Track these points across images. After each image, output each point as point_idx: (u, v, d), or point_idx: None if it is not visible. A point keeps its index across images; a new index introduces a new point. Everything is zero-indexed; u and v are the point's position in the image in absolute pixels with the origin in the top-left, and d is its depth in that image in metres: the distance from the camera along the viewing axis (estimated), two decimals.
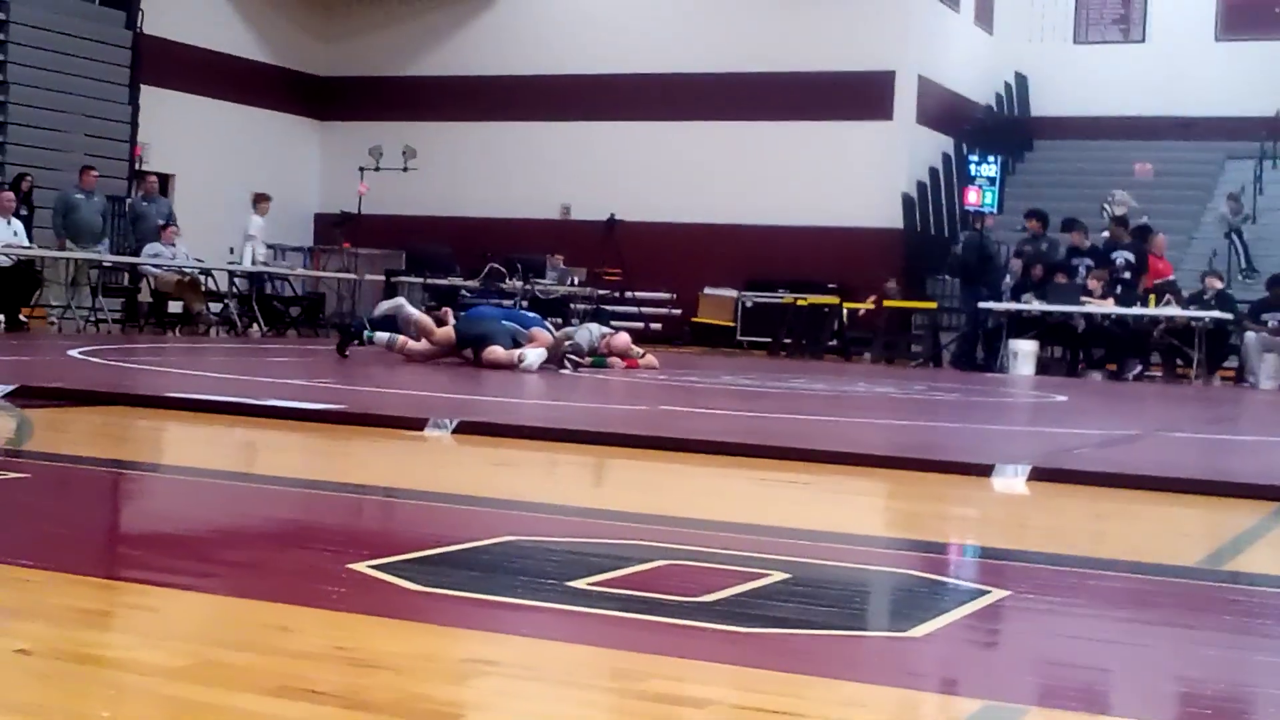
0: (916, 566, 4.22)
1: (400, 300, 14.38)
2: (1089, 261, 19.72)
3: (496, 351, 12.92)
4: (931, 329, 22.38)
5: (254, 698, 2.41)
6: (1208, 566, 4.43)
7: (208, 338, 18.48)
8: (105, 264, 19.01)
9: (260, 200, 21.48)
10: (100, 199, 19.15)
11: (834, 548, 4.36)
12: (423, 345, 13.56)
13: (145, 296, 19.58)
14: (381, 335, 13.76)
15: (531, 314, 14.73)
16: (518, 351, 12.87)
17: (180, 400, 8.04)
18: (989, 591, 3.67)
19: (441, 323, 13.79)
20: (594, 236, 25.94)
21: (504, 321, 13.60)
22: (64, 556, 3.62)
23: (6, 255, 17.12)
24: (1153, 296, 19.18)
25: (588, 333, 14.55)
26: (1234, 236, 23.58)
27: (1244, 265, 23.31)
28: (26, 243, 17.75)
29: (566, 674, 2.72)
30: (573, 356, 13.65)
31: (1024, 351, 18.85)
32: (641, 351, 14.83)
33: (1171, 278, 19.79)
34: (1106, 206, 22.61)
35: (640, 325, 22.77)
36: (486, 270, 21.59)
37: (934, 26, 26.77)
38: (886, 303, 22.80)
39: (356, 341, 13.90)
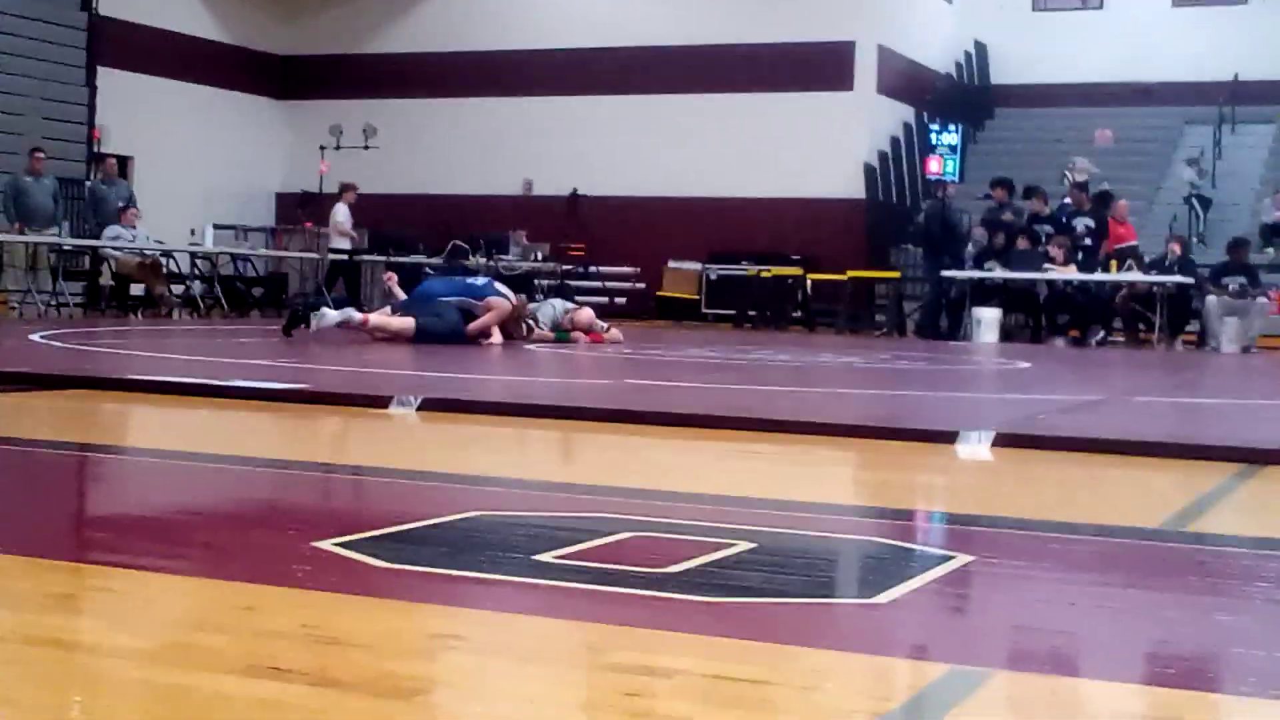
0: (882, 534, 4.24)
1: (349, 310, 13.73)
2: (1049, 229, 19.80)
3: (384, 319, 12.94)
4: (895, 299, 22.42)
5: (223, 678, 2.41)
6: (1172, 528, 4.46)
7: (170, 320, 18.39)
8: (65, 247, 18.89)
9: (346, 189, 21.48)
10: (51, 181, 19.00)
11: (800, 517, 4.38)
12: (382, 319, 13.26)
13: (107, 280, 19.47)
14: (332, 314, 13.23)
15: (482, 280, 14.47)
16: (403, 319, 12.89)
17: (144, 382, 8.01)
18: (954, 557, 3.69)
19: (394, 306, 13.58)
20: (557, 212, 25.91)
21: (452, 297, 13.32)
22: (30, 541, 3.61)
23: None
24: (1114, 262, 19.26)
25: (551, 308, 14.54)
26: (1194, 201, 23.68)
27: (1202, 230, 23.41)
28: None
29: (534, 647, 2.72)
30: (529, 321, 13.61)
31: (987, 319, 18.92)
32: (606, 326, 14.84)
33: (1134, 243, 19.86)
34: (1067, 174, 22.66)
35: (605, 300, 22.77)
36: (450, 248, 21.53)
37: None
38: (850, 273, 22.81)
39: (304, 325, 13.39)
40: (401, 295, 13.88)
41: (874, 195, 25.15)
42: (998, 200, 20.69)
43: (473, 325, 13.01)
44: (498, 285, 13.78)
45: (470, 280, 14.53)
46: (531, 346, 13.18)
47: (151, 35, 25.69)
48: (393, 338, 13.00)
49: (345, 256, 21.30)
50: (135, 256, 19.01)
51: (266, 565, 3.38)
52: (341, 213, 21.18)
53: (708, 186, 25.59)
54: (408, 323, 12.99)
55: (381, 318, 13.34)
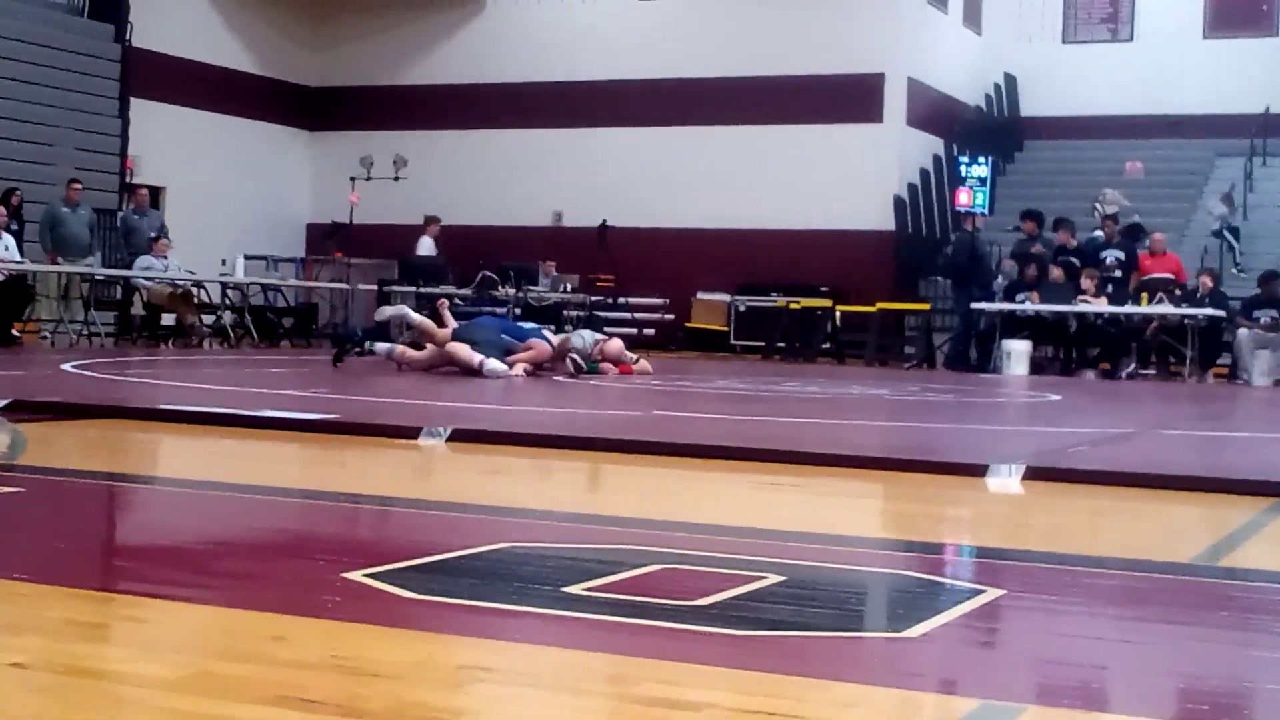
0: (912, 567, 4.22)
1: (402, 308, 14.27)
2: (1076, 261, 19.75)
3: (458, 349, 12.92)
4: (925, 330, 22.37)
5: (251, 708, 2.41)
6: (1204, 563, 4.44)
7: (201, 350, 18.46)
8: (97, 277, 18.99)
9: (430, 222, 21.62)
10: (87, 211, 19.12)
11: (829, 550, 4.37)
12: (421, 354, 13.52)
13: (138, 310, 19.55)
14: (381, 346, 13.81)
15: (530, 325, 14.70)
16: (479, 357, 12.86)
17: (174, 412, 8.04)
18: (985, 591, 3.67)
19: (440, 322, 13.76)
20: (586, 243, 25.92)
21: (502, 335, 13.58)
22: (59, 570, 3.61)
23: None
24: (1145, 295, 19.19)
25: (581, 339, 14.56)
26: (1225, 234, 23.60)
27: (1237, 262, 23.32)
28: (18, 257, 17.73)
29: (563, 679, 2.72)
30: (574, 357, 13.65)
31: (1017, 351, 18.86)
32: (635, 357, 14.85)
33: (1168, 275, 19.71)
34: (1097, 205, 22.62)
35: (633, 331, 22.76)
36: (479, 278, 21.55)
37: (923, 28, 26.78)
38: (879, 304, 22.78)
39: (357, 352, 13.86)
40: (453, 323, 14.06)
41: (903, 227, 25.13)
42: (1028, 233, 20.65)
43: (510, 357, 13.11)
44: (545, 332, 13.99)
45: (521, 324, 14.78)
46: (560, 378, 13.19)
47: (184, 67, 25.86)
48: (429, 363, 13.20)
49: (468, 291, 21.28)
50: (167, 286, 19.09)
51: (295, 595, 3.38)
52: (425, 245, 21.32)
53: (737, 218, 25.61)
54: (448, 333, 13.23)
55: (427, 325, 13.60)
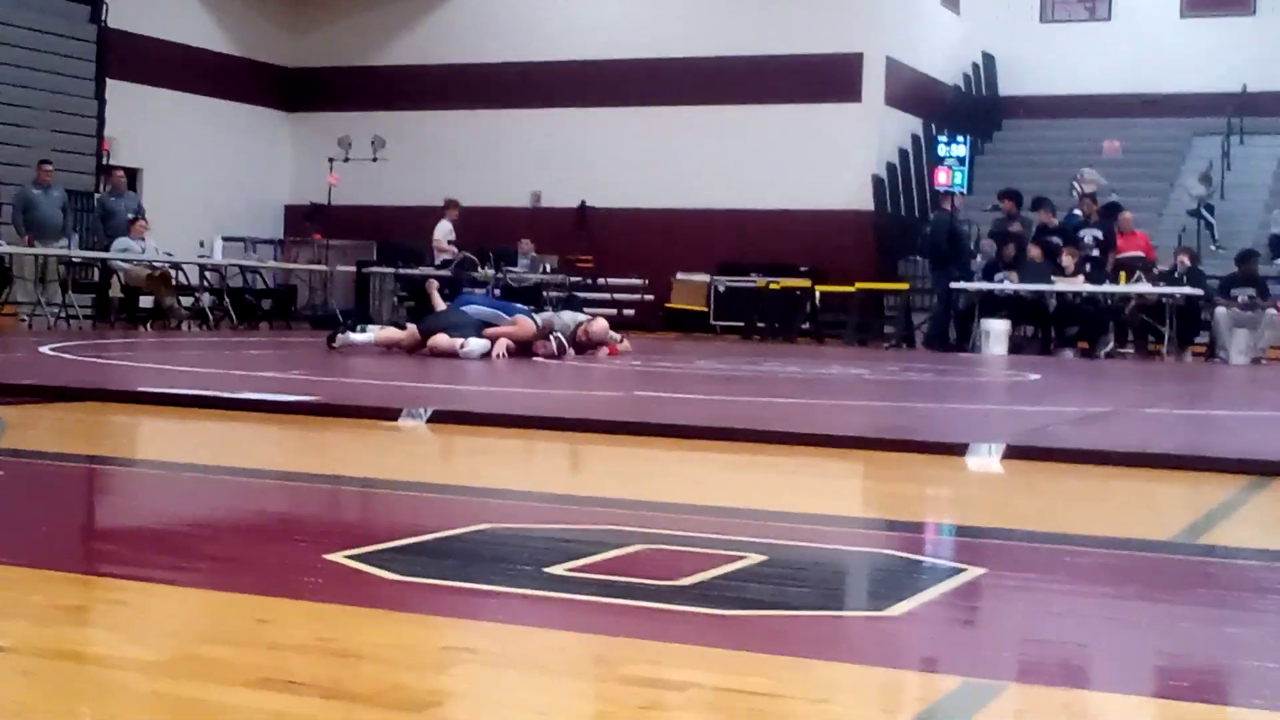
0: (893, 546, 4.23)
1: (368, 335, 14.07)
2: (1057, 240, 19.80)
3: (439, 340, 12.92)
4: (904, 310, 22.41)
5: (235, 690, 2.41)
6: (1183, 540, 4.46)
7: (179, 332, 18.42)
8: (74, 260, 18.92)
9: (450, 206, 21.57)
10: (60, 194, 19.04)
11: (810, 529, 4.38)
12: (402, 334, 13.51)
13: (116, 292, 19.50)
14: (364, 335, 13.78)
15: (519, 305, 14.69)
16: (459, 340, 12.85)
17: (154, 395, 8.02)
18: (966, 569, 3.68)
19: (431, 303, 13.86)
20: (565, 223, 25.94)
21: (478, 308, 13.59)
22: (42, 553, 3.61)
23: None
24: (1123, 273, 19.25)
25: (561, 320, 14.54)
26: (1203, 213, 23.65)
27: (1215, 240, 23.38)
28: None
29: (546, 660, 2.72)
30: (557, 336, 13.63)
31: (996, 331, 18.90)
32: (620, 337, 14.86)
33: (1141, 254, 19.78)
34: (1075, 185, 22.66)
35: (613, 311, 22.76)
36: (459, 259, 21.54)
37: (901, 8, 26.78)
38: (858, 284, 22.81)
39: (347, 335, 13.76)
40: (441, 304, 14.10)
41: (882, 207, 25.15)
42: (1006, 212, 20.69)
43: (489, 330, 13.07)
44: (533, 313, 13.97)
45: (509, 303, 14.75)
46: (540, 358, 13.17)
47: (160, 48, 25.76)
48: (408, 350, 13.18)
49: (447, 272, 21.20)
50: (144, 269, 19.04)
51: (278, 578, 3.38)
52: (442, 229, 21.26)
53: (716, 198, 25.61)
54: (413, 332, 13.24)
55: (388, 333, 13.65)
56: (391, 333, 13.71)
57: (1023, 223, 20.51)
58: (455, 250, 21.45)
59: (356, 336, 13.72)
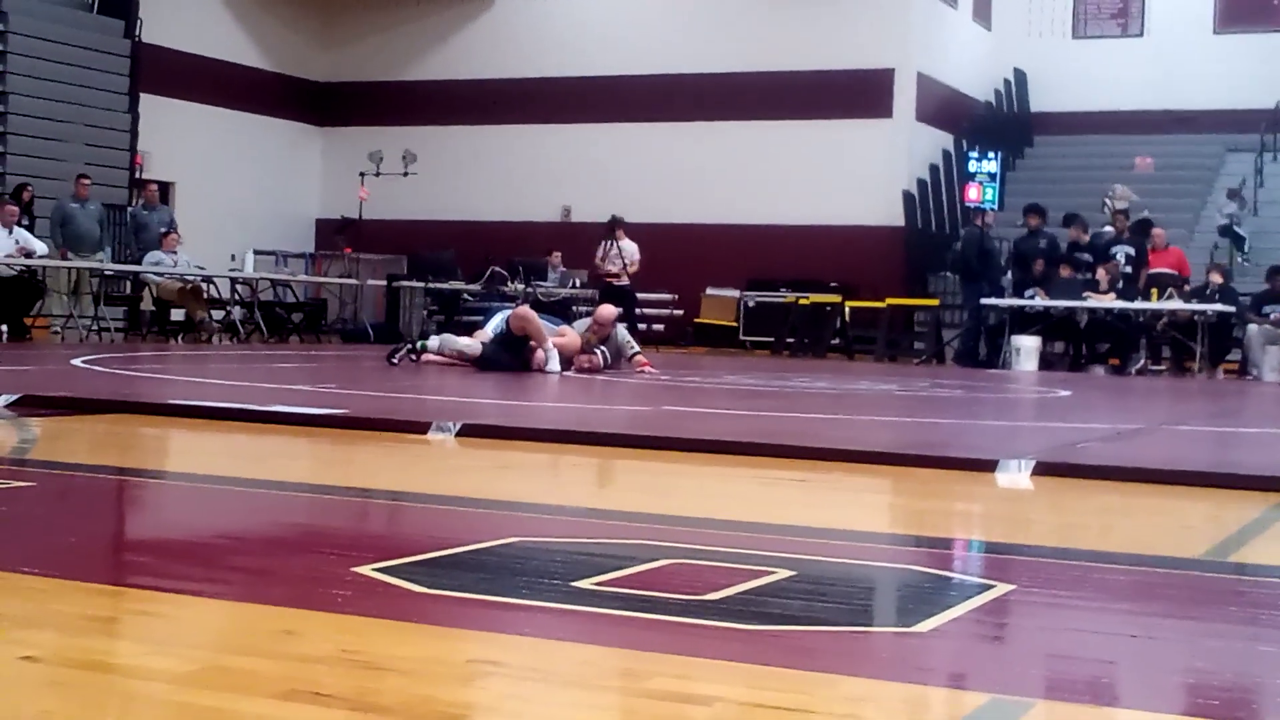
0: (921, 562, 4.22)
1: (446, 336, 14.11)
2: (1088, 257, 19.74)
3: (569, 339, 13.21)
4: (934, 326, 22.37)
5: (262, 702, 2.41)
6: (1213, 559, 4.43)
7: (210, 345, 18.48)
8: (107, 273, 19.02)
9: (619, 225, 21.61)
10: (96, 207, 19.15)
11: (839, 545, 4.37)
12: (470, 341, 13.58)
13: (148, 305, 19.60)
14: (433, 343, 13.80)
15: (559, 320, 14.75)
16: (553, 353, 12.95)
17: (184, 407, 8.04)
18: (994, 586, 3.67)
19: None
20: (595, 238, 25.93)
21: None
22: (71, 564, 3.62)
23: (8, 266, 17.12)
24: (1155, 290, 19.18)
25: (623, 333, 14.49)
26: (1235, 229, 23.57)
27: (1245, 256, 23.29)
28: (43, 249, 17.70)
29: (573, 674, 2.72)
30: (602, 349, 13.63)
31: (1026, 347, 18.85)
32: (638, 347, 14.80)
33: (1174, 271, 19.70)
34: (1107, 201, 22.61)
35: (643, 326, 22.77)
36: (489, 274, 21.57)
37: (932, 24, 26.77)
38: (888, 300, 22.78)
39: (411, 355, 13.63)
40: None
41: (913, 223, 25.12)
42: (1031, 227, 20.64)
43: (551, 341, 13.12)
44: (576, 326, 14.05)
45: (550, 317, 14.76)
46: (570, 373, 13.18)
47: (193, 62, 25.91)
48: (454, 363, 13.20)
49: (627, 283, 21.09)
50: (176, 282, 19.13)
51: (306, 590, 3.39)
52: (632, 247, 21.01)
53: (746, 213, 25.62)
54: (474, 343, 13.24)
55: (461, 344, 13.60)
56: (463, 342, 13.58)
57: (1048, 238, 20.45)
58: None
59: (430, 348, 13.62)
